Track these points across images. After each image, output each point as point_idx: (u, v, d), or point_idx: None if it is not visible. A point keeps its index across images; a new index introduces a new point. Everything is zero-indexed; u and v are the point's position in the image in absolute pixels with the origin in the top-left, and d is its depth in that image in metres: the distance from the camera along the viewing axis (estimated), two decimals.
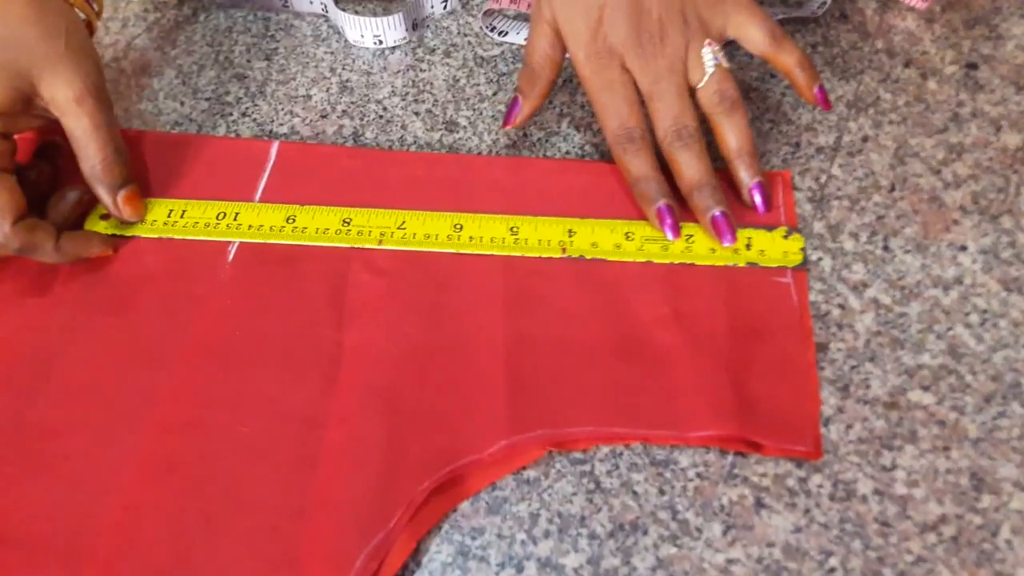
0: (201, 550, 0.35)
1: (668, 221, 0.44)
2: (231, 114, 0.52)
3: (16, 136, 0.44)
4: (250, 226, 0.45)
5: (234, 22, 0.58)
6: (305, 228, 0.45)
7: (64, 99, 0.43)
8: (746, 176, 0.45)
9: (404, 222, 0.45)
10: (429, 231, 0.45)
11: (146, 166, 0.49)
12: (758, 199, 0.45)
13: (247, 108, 0.53)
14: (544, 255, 0.44)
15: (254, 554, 0.35)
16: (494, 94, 0.53)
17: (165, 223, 0.46)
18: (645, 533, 0.36)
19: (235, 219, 0.46)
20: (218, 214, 0.46)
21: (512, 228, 0.45)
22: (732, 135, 0.45)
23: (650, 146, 0.45)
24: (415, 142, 0.50)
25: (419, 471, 0.37)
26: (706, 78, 0.45)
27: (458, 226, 0.45)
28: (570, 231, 0.45)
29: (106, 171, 0.44)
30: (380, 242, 0.44)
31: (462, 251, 0.44)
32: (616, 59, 0.45)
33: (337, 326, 0.42)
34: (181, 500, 0.37)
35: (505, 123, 0.48)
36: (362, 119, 0.52)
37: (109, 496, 0.37)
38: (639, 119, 0.45)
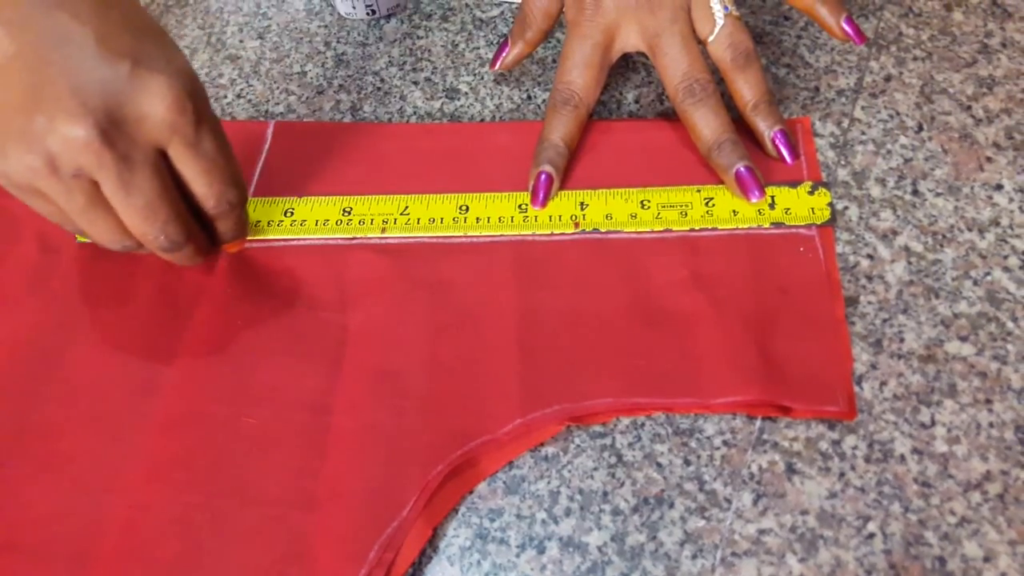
0: (209, 546, 0.34)
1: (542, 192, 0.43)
2: (225, 96, 0.51)
3: None
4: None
5: (225, 3, 0.56)
6: (304, 221, 0.43)
7: None
8: (765, 125, 0.43)
9: (407, 207, 0.43)
10: (434, 214, 0.43)
11: None
12: (783, 147, 0.43)
13: (241, 89, 0.51)
14: (556, 231, 0.42)
15: (263, 549, 0.34)
16: None
17: None
18: (671, 506, 0.35)
19: None
20: None
21: (520, 205, 0.43)
22: (747, 89, 0.42)
23: (583, 115, 0.44)
24: (415, 112, 0.49)
25: (432, 455, 0.36)
26: (717, 30, 0.42)
27: (463, 207, 0.43)
28: (582, 204, 0.43)
29: None
30: (383, 231, 0.43)
31: (469, 234, 0.42)
32: (604, 15, 0.43)
33: (340, 308, 0.40)
34: (187, 496, 0.36)
35: (491, 65, 0.48)
36: (359, 92, 0.50)
37: (114, 495, 0.36)
38: (586, 83, 0.44)
